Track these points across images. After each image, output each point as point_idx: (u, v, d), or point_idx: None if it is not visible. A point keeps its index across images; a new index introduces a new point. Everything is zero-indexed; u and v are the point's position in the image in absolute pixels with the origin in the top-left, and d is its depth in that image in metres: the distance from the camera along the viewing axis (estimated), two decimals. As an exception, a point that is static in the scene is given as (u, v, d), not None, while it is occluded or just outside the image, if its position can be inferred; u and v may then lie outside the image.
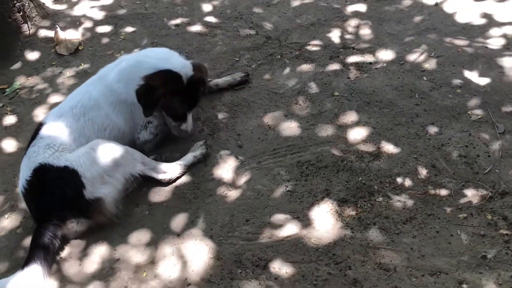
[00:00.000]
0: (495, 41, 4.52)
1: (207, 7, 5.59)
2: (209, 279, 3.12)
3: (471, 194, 3.35)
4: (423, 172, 3.51)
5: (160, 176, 3.69)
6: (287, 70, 4.57)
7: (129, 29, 5.41)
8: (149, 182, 3.72)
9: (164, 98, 3.64)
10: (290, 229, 3.32)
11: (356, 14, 5.13)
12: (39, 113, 4.57)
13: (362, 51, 4.65)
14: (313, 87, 4.33)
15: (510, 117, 3.80)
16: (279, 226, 3.35)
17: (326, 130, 3.92)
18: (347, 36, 4.87)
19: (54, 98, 4.71)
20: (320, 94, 4.25)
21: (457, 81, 4.17)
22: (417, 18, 4.95)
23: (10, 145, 4.36)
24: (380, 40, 4.75)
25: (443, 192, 3.39)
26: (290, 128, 4.00)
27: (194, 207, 3.56)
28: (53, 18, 5.66)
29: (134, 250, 3.35)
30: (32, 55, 5.29)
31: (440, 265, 3.00)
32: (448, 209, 3.28)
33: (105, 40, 5.32)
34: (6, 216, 3.75)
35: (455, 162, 3.55)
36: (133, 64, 3.78)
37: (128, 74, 3.70)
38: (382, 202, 3.38)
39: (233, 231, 3.37)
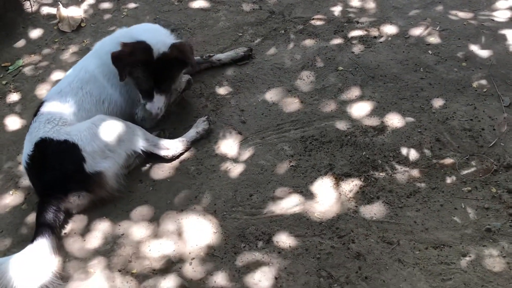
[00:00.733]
0: (501, 14, 4.46)
1: (210, -17, 5.54)
2: (213, 253, 3.13)
3: (476, 168, 3.32)
4: (427, 145, 3.49)
5: (163, 153, 3.69)
6: (291, 45, 4.53)
7: (132, 5, 5.36)
8: (153, 158, 3.72)
9: (133, 68, 3.58)
10: (294, 203, 3.32)
11: (360, -12, 5.07)
12: (42, 90, 4.56)
13: (366, 25, 4.60)
14: (317, 62, 4.29)
15: (516, 90, 3.77)
16: (282, 200, 3.34)
17: (330, 105, 3.90)
18: (351, 10, 4.81)
19: (57, 75, 4.69)
20: (324, 69, 4.22)
21: (462, 54, 4.12)
22: (423, -9, 4.89)
23: (13, 122, 4.36)
24: (385, 14, 4.69)
25: (448, 165, 3.36)
26: (294, 103, 3.97)
27: (197, 182, 3.56)
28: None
29: (137, 225, 3.36)
30: (35, 33, 5.26)
31: (443, 238, 2.99)
32: (452, 183, 3.27)
33: (107, 17, 5.29)
34: (10, 192, 3.77)
35: (460, 135, 3.52)
36: (122, 33, 3.83)
37: (116, 44, 3.67)
38: (386, 176, 3.37)
39: (237, 206, 3.37)
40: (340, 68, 4.19)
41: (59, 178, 3.37)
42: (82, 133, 3.43)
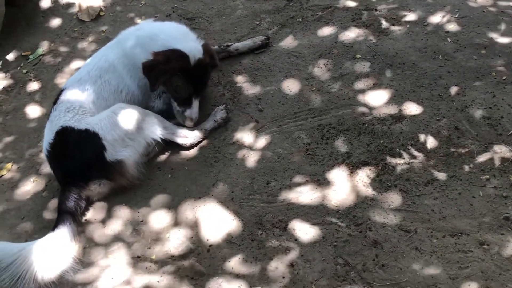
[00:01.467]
0: (522, 0, 4.40)
1: (227, -29, 5.53)
2: (230, 240, 3.16)
3: (494, 156, 3.30)
4: (445, 134, 3.47)
5: (182, 141, 3.72)
6: (309, 33, 4.51)
7: (150, -6, 5.39)
8: (171, 146, 3.76)
9: (168, 76, 3.58)
10: (311, 191, 3.33)
11: (379, -25, 5.03)
12: (62, 79, 4.62)
13: (384, 13, 4.56)
14: (335, 50, 4.27)
15: (536, 78, 3.72)
16: (299, 188, 3.36)
17: (348, 93, 3.89)
18: (370, -2, 4.79)
19: (76, 64, 4.74)
20: (341, 57, 4.20)
21: (481, 42, 4.08)
22: (442, -22, 4.83)
23: (34, 110, 4.43)
24: (403, 1, 4.64)
25: (466, 154, 3.35)
26: (311, 91, 3.97)
27: (215, 170, 3.59)
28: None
29: (156, 212, 3.41)
30: (54, 22, 5.31)
31: (461, 226, 2.99)
32: (470, 171, 3.25)
33: (126, 6, 5.31)
34: (31, 179, 3.84)
35: (479, 123, 3.50)
36: (149, 36, 3.77)
37: (142, 44, 3.71)
38: (404, 165, 3.36)
39: (254, 193, 3.39)
40: (358, 56, 4.17)
41: (80, 167, 3.43)
42: (102, 122, 3.48)
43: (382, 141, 3.52)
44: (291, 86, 4.05)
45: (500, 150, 3.32)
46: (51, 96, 4.42)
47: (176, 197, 3.47)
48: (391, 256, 2.93)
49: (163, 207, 3.44)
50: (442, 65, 3.96)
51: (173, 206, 3.43)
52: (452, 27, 4.28)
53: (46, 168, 3.83)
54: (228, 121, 3.87)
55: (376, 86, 3.90)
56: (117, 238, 3.33)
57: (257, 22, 4.74)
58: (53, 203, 3.59)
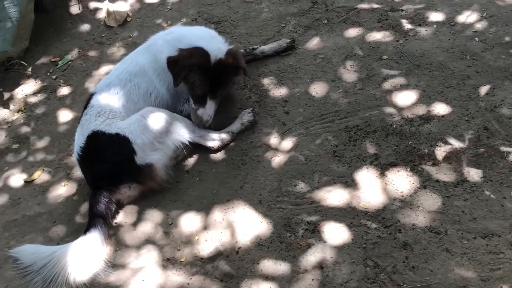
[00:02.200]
0: (552, -2, 4.34)
1: (252, -26, 5.55)
2: (259, 243, 3.17)
3: (526, 156, 3.27)
4: (475, 134, 3.44)
5: (209, 144, 3.75)
6: (334, 34, 4.51)
7: (176, -1, 5.45)
8: (198, 149, 3.79)
9: (187, 71, 3.59)
10: (339, 193, 3.33)
11: (404, -25, 5.00)
12: (91, 84, 4.69)
13: (411, 13, 4.53)
14: (361, 51, 4.26)
15: None
16: (327, 190, 3.36)
17: (375, 94, 3.87)
18: (396, -2, 4.77)
19: (104, 69, 4.82)
20: (368, 58, 4.19)
21: (510, 41, 4.03)
22: (469, -23, 4.79)
23: (64, 115, 4.50)
24: (430, 1, 4.61)
25: (496, 154, 3.31)
26: (338, 93, 3.97)
27: (242, 173, 3.60)
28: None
29: (185, 215, 3.43)
30: (83, 28, 5.40)
31: (492, 227, 2.95)
32: (501, 171, 3.21)
33: (152, 11, 5.38)
34: (62, 183, 3.91)
35: (508, 123, 3.45)
36: (177, 37, 3.84)
37: (171, 46, 3.74)
38: (433, 166, 3.34)
39: (282, 196, 3.40)
40: (385, 57, 4.16)
41: (111, 170, 3.48)
42: (132, 126, 3.53)
43: (410, 142, 3.50)
44: (317, 88, 4.05)
45: (531, 150, 3.28)
46: (80, 101, 4.49)
47: (205, 200, 3.50)
48: (421, 258, 2.91)
49: (192, 209, 3.46)
50: (470, 65, 3.92)
51: (201, 208, 3.45)
52: (480, 26, 4.23)
53: (77, 172, 3.89)
54: (255, 124, 3.88)
55: (403, 87, 3.88)
56: (147, 241, 3.36)
57: (283, 25, 4.75)
58: (84, 206, 3.65)
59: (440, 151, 3.40)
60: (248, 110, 3.91)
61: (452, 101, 3.69)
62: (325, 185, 3.39)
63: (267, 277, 2.99)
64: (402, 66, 4.04)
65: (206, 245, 3.24)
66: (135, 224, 3.48)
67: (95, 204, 3.43)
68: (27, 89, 4.89)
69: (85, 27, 5.41)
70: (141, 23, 5.27)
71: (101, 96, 3.79)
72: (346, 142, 3.61)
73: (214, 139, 3.75)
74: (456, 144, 3.42)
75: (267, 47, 4.43)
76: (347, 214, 3.21)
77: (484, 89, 3.71)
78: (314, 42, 4.47)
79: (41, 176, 4.01)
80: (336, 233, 3.12)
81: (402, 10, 4.59)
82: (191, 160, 3.78)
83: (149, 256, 3.26)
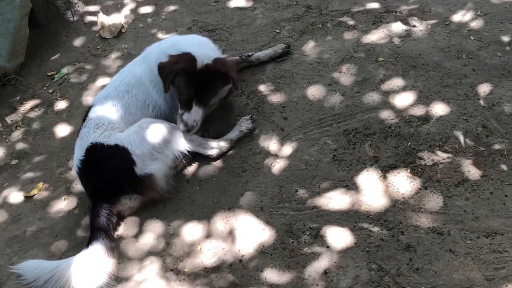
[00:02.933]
0: (545, -6, 4.34)
1: (245, -19, 5.56)
2: (262, 250, 3.16)
3: (526, 153, 3.26)
4: (474, 133, 3.43)
5: (208, 152, 3.74)
6: (329, 38, 4.51)
7: (170, 8, 5.44)
8: (198, 158, 3.78)
9: (175, 77, 3.58)
10: (340, 197, 3.32)
11: (397, -23, 5.01)
12: (88, 97, 4.69)
13: (405, 14, 4.54)
14: (357, 54, 4.26)
15: None
16: (328, 195, 3.35)
17: (372, 97, 3.87)
18: (389, 0, 4.76)
19: (101, 81, 4.81)
20: (364, 61, 4.19)
21: (505, 38, 4.03)
22: (462, -24, 4.80)
23: (62, 129, 4.49)
24: (424, 2, 4.61)
25: (496, 152, 3.30)
26: (335, 96, 3.96)
27: (243, 180, 3.59)
28: (95, 3, 5.75)
29: (187, 225, 3.42)
30: (77, 41, 5.40)
31: (495, 226, 2.95)
32: (502, 170, 3.21)
33: (147, 21, 5.38)
34: (62, 198, 3.89)
35: (507, 121, 3.45)
36: (170, 45, 3.87)
37: (165, 54, 3.73)
38: (433, 166, 3.33)
39: (283, 202, 3.39)
40: (381, 58, 4.16)
41: (111, 182, 3.47)
42: (130, 137, 3.53)
43: (409, 143, 3.50)
44: (314, 92, 4.04)
45: (531, 147, 3.28)
46: (78, 114, 4.48)
47: (206, 209, 3.49)
48: (425, 260, 2.90)
49: (193, 219, 3.45)
50: (466, 64, 3.92)
51: (203, 218, 3.44)
52: (475, 25, 4.24)
53: (77, 186, 3.88)
54: (253, 131, 3.88)
55: (400, 88, 3.88)
56: (149, 252, 3.35)
57: (277, 31, 4.76)
58: (85, 220, 3.64)
59: (440, 151, 3.39)
60: (246, 117, 3.90)
61: (450, 100, 3.69)
62: (326, 189, 3.38)
63: (271, 285, 2.98)
64: (399, 67, 4.04)
65: (209, 254, 3.23)
66: (137, 236, 3.47)
67: (96, 217, 3.42)
68: (24, 104, 4.88)
69: (80, 40, 5.40)
70: (136, 33, 5.27)
71: (99, 108, 3.79)
72: (345, 145, 3.61)
73: (213, 147, 3.74)
74: (455, 143, 3.41)
75: (262, 54, 4.43)
76: (349, 218, 3.20)
77: (481, 88, 3.71)
78: (309, 47, 4.48)
79: (41, 191, 3.99)
80: (339, 238, 3.11)
81: (396, 11, 4.59)
82: (191, 169, 3.77)
83: (152, 268, 3.25)
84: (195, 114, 3.66)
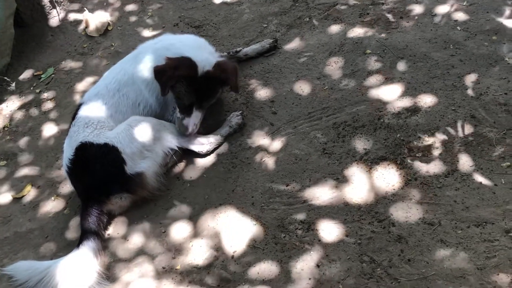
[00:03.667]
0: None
1: (231, -24, 5.54)
2: (254, 245, 3.16)
3: (514, 142, 3.27)
4: (462, 123, 3.44)
5: (198, 148, 3.73)
6: (317, 32, 4.51)
7: (156, 5, 5.41)
8: (188, 155, 3.77)
9: (174, 82, 3.54)
10: (331, 190, 3.32)
11: (383, -31, 5.01)
12: (76, 96, 4.66)
13: (391, 6, 4.54)
14: (344, 47, 4.26)
15: (550, 60, 3.68)
16: (319, 188, 3.35)
17: (360, 89, 3.87)
18: (376, -8, 4.77)
19: (88, 80, 4.79)
20: (352, 54, 4.19)
21: (492, 28, 4.04)
22: (447, -33, 4.80)
23: (50, 129, 4.46)
24: (410, -7, 4.63)
25: (485, 142, 3.32)
26: (324, 90, 3.96)
27: (233, 176, 3.59)
28: (81, 1, 5.71)
29: (178, 223, 3.41)
30: (64, 40, 5.36)
31: (485, 215, 2.96)
32: (491, 159, 3.22)
33: (133, 18, 5.35)
34: (52, 198, 3.87)
35: (495, 110, 3.46)
36: (166, 46, 3.79)
37: (160, 55, 3.68)
38: (422, 157, 3.34)
39: (274, 196, 3.39)
40: (368, 51, 4.16)
41: (101, 181, 3.45)
42: (120, 135, 3.50)
43: (399, 135, 3.50)
44: (303, 86, 4.04)
45: (519, 136, 3.29)
46: (65, 114, 4.46)
47: (197, 206, 3.48)
48: (416, 250, 2.91)
49: (184, 216, 3.44)
50: (453, 54, 3.93)
51: (194, 215, 3.44)
52: (461, 15, 4.25)
53: (66, 186, 3.86)
54: (243, 127, 3.87)
55: (388, 80, 3.89)
56: (141, 251, 3.34)
57: (265, 25, 4.74)
58: (76, 220, 3.62)
59: (429, 142, 3.40)
60: (236, 113, 3.89)
61: (438, 91, 3.70)
62: (317, 183, 3.38)
63: (263, 280, 2.98)
64: (386, 59, 4.05)
65: (201, 251, 3.22)
66: (128, 235, 3.46)
67: (86, 216, 3.40)
68: (11, 104, 4.84)
69: (66, 39, 5.36)
70: (123, 31, 5.24)
71: (89, 107, 3.76)
72: (335, 138, 3.61)
73: (203, 143, 3.73)
74: (444, 134, 3.42)
75: (250, 49, 4.41)
76: (340, 211, 3.20)
77: (469, 78, 3.72)
78: (297, 41, 4.47)
79: (30, 191, 3.97)
80: (330, 231, 3.11)
81: (383, 4, 4.59)
82: (181, 166, 3.76)
83: (144, 267, 3.24)
84: (195, 119, 3.66)
